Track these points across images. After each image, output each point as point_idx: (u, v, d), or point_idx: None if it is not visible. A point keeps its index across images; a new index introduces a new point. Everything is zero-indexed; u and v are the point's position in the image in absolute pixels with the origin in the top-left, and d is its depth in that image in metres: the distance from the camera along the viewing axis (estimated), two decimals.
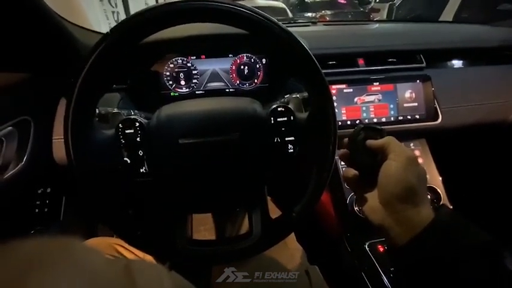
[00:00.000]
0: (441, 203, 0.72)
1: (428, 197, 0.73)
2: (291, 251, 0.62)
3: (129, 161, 0.45)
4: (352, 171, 0.41)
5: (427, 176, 0.37)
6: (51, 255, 0.16)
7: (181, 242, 0.45)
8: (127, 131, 0.45)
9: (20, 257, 0.15)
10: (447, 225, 0.32)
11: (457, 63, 0.91)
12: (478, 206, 0.88)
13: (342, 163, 0.77)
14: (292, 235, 0.66)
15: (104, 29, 0.41)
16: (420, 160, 0.80)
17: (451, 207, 0.74)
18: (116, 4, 2.45)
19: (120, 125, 0.45)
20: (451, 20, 2.21)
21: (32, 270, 0.14)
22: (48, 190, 0.69)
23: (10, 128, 0.53)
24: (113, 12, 2.46)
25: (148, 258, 0.60)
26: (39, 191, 0.68)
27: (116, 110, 0.49)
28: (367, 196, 0.39)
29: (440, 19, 2.32)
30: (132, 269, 0.18)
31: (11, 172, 0.54)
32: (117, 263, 0.18)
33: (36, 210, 0.67)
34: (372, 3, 5.68)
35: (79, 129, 0.40)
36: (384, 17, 4.60)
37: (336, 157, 0.45)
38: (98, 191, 0.42)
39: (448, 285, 0.29)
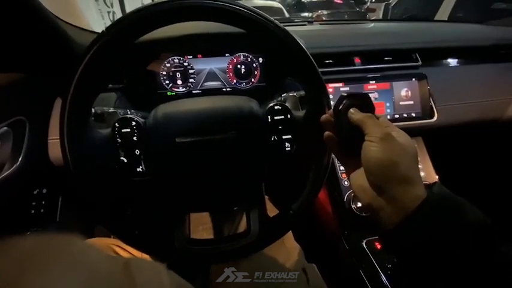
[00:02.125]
0: None
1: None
2: (288, 249, 0.62)
3: (125, 161, 0.45)
4: (331, 136, 0.39)
5: (420, 165, 0.34)
6: (51, 252, 0.16)
7: (179, 241, 0.45)
8: (123, 130, 0.44)
9: (19, 254, 0.15)
10: (440, 205, 0.30)
11: (452, 61, 0.91)
12: (474, 203, 0.89)
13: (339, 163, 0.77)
14: (290, 234, 0.66)
15: (99, 29, 0.41)
16: None
17: None
18: (111, 4, 2.43)
19: (116, 124, 0.44)
20: (446, 19, 2.23)
21: (32, 266, 0.14)
22: (44, 191, 0.68)
23: (5, 128, 0.53)
24: (109, 12, 2.44)
25: (146, 258, 0.60)
26: (35, 192, 0.67)
27: (112, 110, 0.48)
28: (356, 174, 0.36)
29: (435, 18, 2.34)
30: (132, 266, 0.18)
31: (6, 173, 0.53)
32: (116, 261, 0.18)
33: (32, 211, 0.66)
34: (368, 3, 5.71)
35: (75, 129, 0.40)
36: (380, 16, 4.62)
37: (333, 155, 0.45)
38: (94, 190, 0.42)
39: (441, 269, 0.28)
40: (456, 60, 0.91)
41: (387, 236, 0.32)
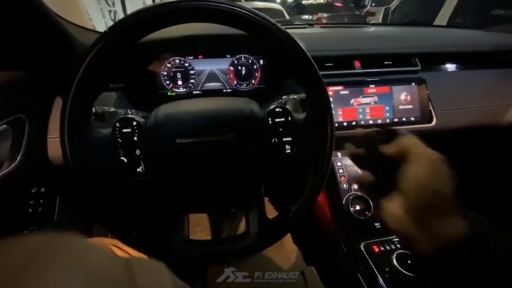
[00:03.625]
0: None
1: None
2: (287, 251, 0.62)
3: (125, 161, 0.45)
4: (369, 177, 0.36)
5: None
6: (52, 252, 0.16)
7: (178, 242, 0.45)
8: (124, 130, 0.44)
9: (21, 253, 0.15)
10: (480, 241, 0.29)
11: (451, 66, 0.92)
12: (472, 207, 0.89)
13: (339, 164, 0.77)
14: (288, 236, 0.66)
15: (101, 28, 0.41)
16: None
17: None
18: (113, 3, 2.43)
19: (117, 124, 0.44)
20: (444, 25, 2.25)
21: (33, 266, 0.14)
22: (43, 190, 0.68)
23: (4, 126, 0.53)
24: (110, 11, 2.44)
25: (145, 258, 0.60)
26: (33, 191, 0.67)
27: (112, 109, 0.48)
28: (388, 203, 0.34)
29: (434, 24, 2.36)
30: (133, 266, 0.18)
31: (4, 171, 0.53)
32: (117, 260, 0.18)
33: (30, 210, 0.66)
34: (368, 7, 5.74)
35: (75, 128, 0.40)
36: (380, 20, 4.65)
37: (333, 158, 0.45)
38: (93, 190, 0.42)
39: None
40: (455, 65, 0.92)
41: (421, 265, 0.32)
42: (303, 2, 6.23)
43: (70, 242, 0.17)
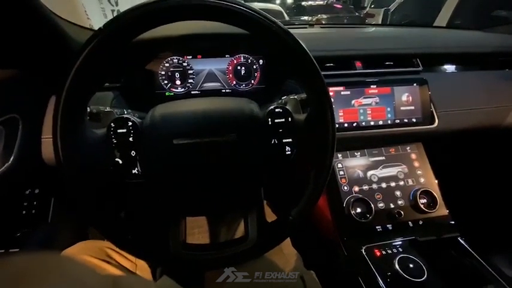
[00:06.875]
0: (437, 206, 0.72)
1: (424, 200, 0.74)
2: (286, 256, 0.61)
3: (120, 162, 0.44)
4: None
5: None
6: (41, 270, 0.16)
7: (174, 246, 0.44)
8: (119, 131, 0.43)
9: (9, 273, 0.15)
10: None
11: (452, 67, 0.91)
12: (473, 209, 0.89)
13: (340, 165, 0.76)
14: (288, 240, 0.65)
15: None
16: (416, 164, 0.80)
17: (447, 210, 0.74)
18: (116, 2, 2.41)
19: (112, 124, 0.43)
20: (444, 26, 2.25)
21: (23, 284, 0.14)
22: (37, 191, 0.67)
23: None
24: (113, 10, 2.42)
25: (140, 263, 0.59)
26: (27, 192, 0.66)
27: (108, 109, 0.47)
28: None
29: (434, 25, 2.36)
30: (121, 285, 0.18)
31: None
32: (105, 279, 0.18)
33: (24, 211, 0.64)
34: (367, 9, 5.76)
35: (69, 128, 0.39)
36: (379, 22, 4.65)
37: (334, 159, 0.44)
38: (87, 192, 0.40)
39: None
40: (457, 66, 0.91)
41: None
42: (303, 3, 6.26)
43: (58, 261, 0.17)
